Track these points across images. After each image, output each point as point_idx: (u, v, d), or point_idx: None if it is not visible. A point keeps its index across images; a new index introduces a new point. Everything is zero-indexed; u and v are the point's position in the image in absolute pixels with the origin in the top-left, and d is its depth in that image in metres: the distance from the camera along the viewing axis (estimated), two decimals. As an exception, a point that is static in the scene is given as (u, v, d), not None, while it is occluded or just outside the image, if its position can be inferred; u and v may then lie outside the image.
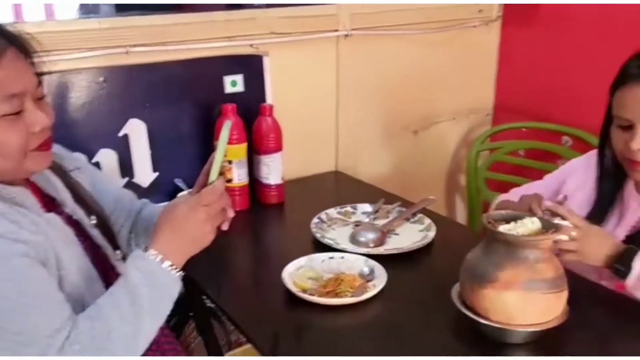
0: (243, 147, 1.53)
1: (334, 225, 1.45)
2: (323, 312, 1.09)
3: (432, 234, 1.36)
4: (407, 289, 1.18)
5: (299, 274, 1.20)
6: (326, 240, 1.34)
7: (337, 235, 1.39)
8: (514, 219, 1.00)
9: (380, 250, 1.31)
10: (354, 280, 1.16)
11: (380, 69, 1.95)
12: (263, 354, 1.00)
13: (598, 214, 1.23)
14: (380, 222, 1.45)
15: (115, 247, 1.09)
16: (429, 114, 2.12)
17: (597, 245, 1.10)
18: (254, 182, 1.62)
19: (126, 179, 1.55)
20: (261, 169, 1.59)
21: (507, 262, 0.94)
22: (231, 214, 1.00)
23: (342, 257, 1.25)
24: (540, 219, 0.99)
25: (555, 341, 0.98)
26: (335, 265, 1.23)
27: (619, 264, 1.08)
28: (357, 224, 1.46)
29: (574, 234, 1.07)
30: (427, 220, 1.44)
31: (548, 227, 0.97)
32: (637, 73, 1.08)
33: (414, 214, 1.48)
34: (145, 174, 1.57)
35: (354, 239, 1.36)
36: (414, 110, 2.08)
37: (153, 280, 0.89)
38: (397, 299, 1.14)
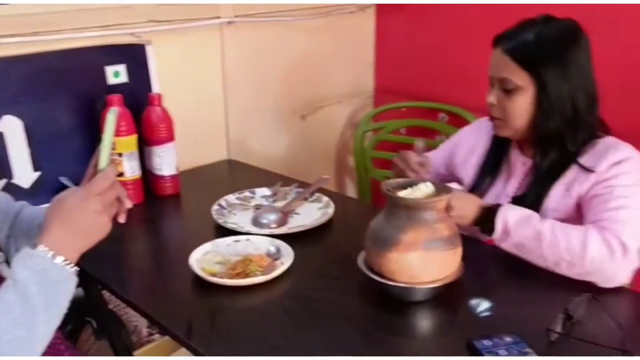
0: (133, 138, 1.48)
1: (234, 210, 1.45)
2: (235, 293, 1.09)
3: (331, 210, 1.41)
4: (314, 264, 1.22)
5: (206, 259, 1.19)
6: (229, 225, 1.34)
7: (239, 219, 1.40)
8: (410, 185, 1.07)
9: (284, 229, 1.34)
10: (262, 259, 1.17)
11: (266, 55, 1.97)
12: (179, 341, 0.99)
13: (488, 175, 1.35)
14: (280, 204, 1.47)
15: None
16: (316, 98, 2.18)
17: (465, 204, 1.19)
18: (147, 174, 1.57)
19: (4, 181, 1.44)
20: (154, 160, 1.55)
21: (408, 225, 1.00)
22: (128, 204, 0.96)
23: (248, 240, 1.26)
24: (433, 182, 1.07)
25: (454, 295, 1.06)
26: (242, 248, 1.24)
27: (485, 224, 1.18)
28: (258, 207, 1.47)
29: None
30: (325, 198, 1.48)
31: (441, 189, 1.05)
32: (498, 38, 1.22)
33: (312, 194, 1.52)
34: (25, 174, 1.47)
35: (256, 222, 1.37)
36: (301, 96, 2.13)
37: (45, 278, 0.83)
38: (305, 273, 1.17)
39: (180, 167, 1.62)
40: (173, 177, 1.58)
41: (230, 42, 1.85)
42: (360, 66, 2.32)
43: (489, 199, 1.32)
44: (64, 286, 0.85)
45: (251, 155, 1.97)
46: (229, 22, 1.82)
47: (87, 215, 0.87)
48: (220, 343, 0.96)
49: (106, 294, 1.51)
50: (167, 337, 1.87)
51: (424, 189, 1.05)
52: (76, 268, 0.86)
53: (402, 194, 1.04)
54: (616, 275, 1.09)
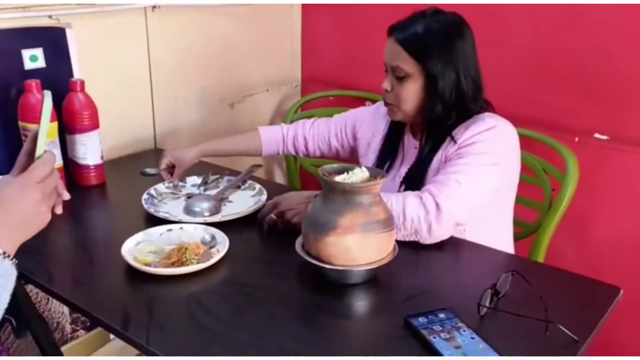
0: (54, 125, 1.41)
1: (165, 199, 1.42)
2: (172, 283, 1.07)
3: (264, 197, 1.41)
4: (251, 250, 1.22)
5: (139, 249, 1.16)
6: (161, 214, 1.31)
7: (170, 208, 1.37)
8: (345, 170, 1.09)
9: (217, 218, 1.32)
10: (197, 247, 1.16)
11: (193, 42, 1.93)
12: (115, 333, 0.96)
13: (387, 159, 1.43)
14: (212, 192, 1.46)
15: None
16: (243, 86, 2.16)
17: (290, 197, 1.25)
18: (70, 163, 1.50)
19: None
20: (77, 149, 1.49)
21: (345, 209, 1.02)
22: (66, 195, 0.92)
23: (181, 228, 1.24)
24: (368, 168, 1.09)
25: (389, 275, 1.10)
26: (175, 237, 1.22)
27: None
28: (189, 196, 1.44)
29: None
30: (257, 186, 1.48)
31: (375, 174, 1.08)
32: (392, 28, 1.31)
33: (244, 182, 1.51)
34: None
35: (189, 210, 1.35)
36: (229, 83, 2.10)
37: None
38: (242, 260, 1.17)
39: (104, 156, 1.56)
40: (98, 166, 1.52)
41: (155, 27, 1.79)
42: (287, 55, 2.33)
43: (387, 181, 1.39)
44: (5, 281, 0.78)
45: (179, 144, 1.93)
46: (153, 7, 1.77)
47: (26, 205, 0.81)
48: (159, 332, 0.94)
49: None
50: (93, 332, 1.81)
51: (359, 174, 1.07)
52: (15, 261, 0.81)
53: (338, 178, 1.05)
54: (431, 233, 1.18)
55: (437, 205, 1.18)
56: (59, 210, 0.91)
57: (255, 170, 1.55)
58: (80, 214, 1.40)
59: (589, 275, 1.11)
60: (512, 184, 1.35)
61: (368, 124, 1.53)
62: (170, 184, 1.49)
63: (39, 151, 0.87)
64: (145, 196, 1.39)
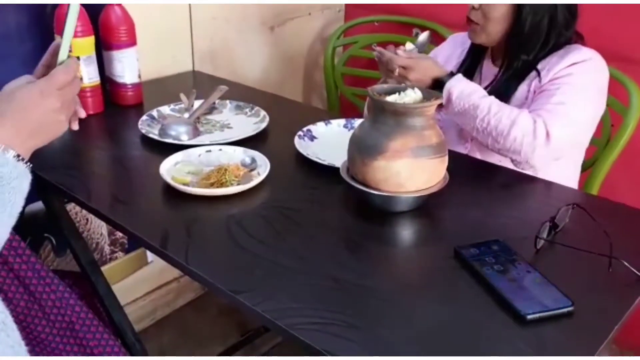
0: (90, 40, 1.35)
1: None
2: (211, 204, 1.04)
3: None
4: (292, 175, 1.17)
5: (177, 169, 1.13)
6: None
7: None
8: (396, 91, 1.01)
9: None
10: (237, 169, 1.11)
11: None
12: (154, 251, 0.93)
13: None
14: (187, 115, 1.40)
15: None
16: (284, 9, 2.06)
17: (425, 69, 1.25)
18: (107, 82, 1.46)
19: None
20: (114, 67, 1.44)
21: (396, 132, 0.95)
22: (82, 113, 0.87)
23: (220, 150, 1.20)
24: (421, 88, 1.01)
25: (438, 205, 1.04)
26: (214, 158, 1.18)
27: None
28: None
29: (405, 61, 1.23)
30: (262, 113, 1.41)
31: (429, 95, 1.00)
32: None
33: (213, 104, 1.45)
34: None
35: (164, 134, 1.28)
36: (270, 6, 2.00)
37: None
38: (283, 184, 1.12)
39: (142, 76, 1.51)
40: (135, 85, 1.47)
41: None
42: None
43: None
44: (18, 184, 0.74)
45: (218, 67, 1.87)
46: None
47: (44, 112, 0.77)
48: (198, 252, 0.91)
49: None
50: (131, 254, 1.82)
51: (412, 95, 0.99)
52: (30, 165, 0.76)
53: (390, 99, 0.98)
54: (530, 158, 1.16)
55: (547, 133, 1.14)
56: (75, 126, 0.87)
57: (223, 90, 1.46)
58: (117, 133, 1.37)
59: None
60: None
61: (442, 52, 1.48)
62: (177, 107, 1.44)
63: (61, 56, 0.82)
64: (144, 117, 1.35)
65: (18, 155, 0.73)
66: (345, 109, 2.20)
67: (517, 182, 1.16)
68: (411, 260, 0.94)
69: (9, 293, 0.95)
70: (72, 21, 0.82)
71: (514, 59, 1.26)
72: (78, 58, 1.34)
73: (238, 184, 1.07)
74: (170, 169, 1.12)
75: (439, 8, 1.97)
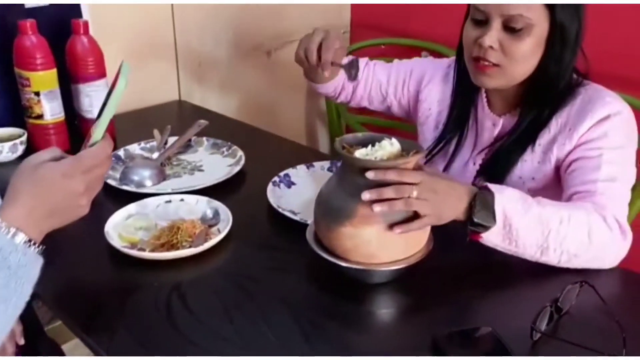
0: (52, 73, 1.24)
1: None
2: (157, 269, 0.90)
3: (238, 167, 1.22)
4: (256, 233, 1.03)
5: (127, 224, 0.99)
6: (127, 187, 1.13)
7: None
8: (371, 141, 0.86)
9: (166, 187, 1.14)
10: (193, 227, 0.97)
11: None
12: (74, 332, 0.80)
13: (455, 134, 1.13)
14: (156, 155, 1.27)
15: None
16: (282, 32, 1.92)
17: (452, 201, 0.85)
18: (76, 117, 1.35)
19: None
20: (81, 101, 1.32)
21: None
22: None
23: (182, 200, 1.06)
24: (399, 139, 0.86)
25: (418, 277, 0.87)
26: (173, 211, 1.04)
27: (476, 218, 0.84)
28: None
29: (415, 193, 0.80)
30: (239, 153, 1.27)
31: (409, 148, 0.85)
32: None
33: (189, 140, 1.32)
34: None
35: (126, 180, 1.15)
36: (266, 28, 1.87)
37: (4, 262, 0.65)
38: (245, 245, 0.98)
39: (121, 107, 1.39)
40: (106, 120, 1.35)
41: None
42: (334, -4, 2.06)
43: (457, 164, 1.13)
44: (27, 271, 0.67)
45: (207, 96, 1.74)
46: (178, -62, 1.55)
47: (64, 195, 0.70)
48: (126, 337, 0.77)
49: None
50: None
51: (388, 148, 0.84)
52: (41, 247, 0.69)
53: (359, 153, 0.83)
54: (616, 257, 0.92)
55: (620, 228, 0.90)
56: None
57: (202, 125, 1.34)
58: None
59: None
60: None
61: (437, 82, 1.20)
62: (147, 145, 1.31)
63: (96, 135, 0.73)
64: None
65: (29, 240, 0.67)
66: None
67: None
68: (379, 351, 0.77)
69: None
70: (115, 102, 0.73)
71: (531, 106, 1.02)
72: (38, 94, 1.23)
73: (190, 246, 0.93)
74: (119, 223, 0.99)
75: (448, 30, 1.81)
